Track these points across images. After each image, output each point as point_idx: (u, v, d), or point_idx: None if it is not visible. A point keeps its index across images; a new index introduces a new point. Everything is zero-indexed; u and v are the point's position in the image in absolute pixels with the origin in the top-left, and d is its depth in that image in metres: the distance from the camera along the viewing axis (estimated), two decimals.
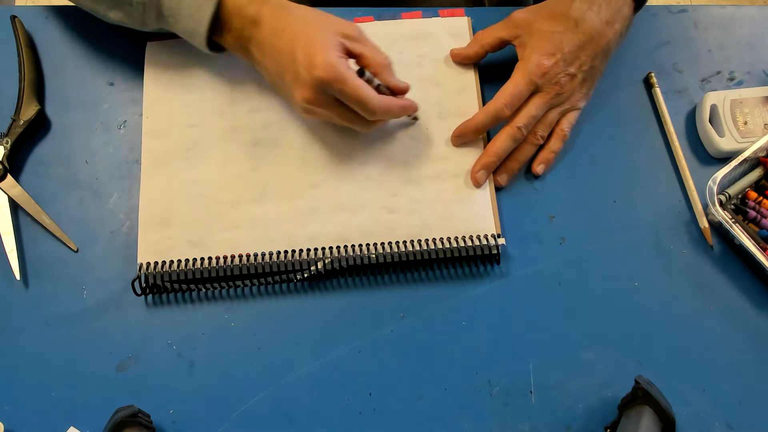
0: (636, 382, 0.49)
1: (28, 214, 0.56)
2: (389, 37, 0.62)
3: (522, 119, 0.56)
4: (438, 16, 0.63)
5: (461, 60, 0.61)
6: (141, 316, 0.54)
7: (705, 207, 0.57)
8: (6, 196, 0.56)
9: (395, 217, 0.56)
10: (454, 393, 0.52)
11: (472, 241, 0.55)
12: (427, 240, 0.55)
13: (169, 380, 0.52)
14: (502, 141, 0.56)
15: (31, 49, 0.61)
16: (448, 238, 0.55)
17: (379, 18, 0.63)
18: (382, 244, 0.55)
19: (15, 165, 0.58)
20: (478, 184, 0.57)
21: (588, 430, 0.51)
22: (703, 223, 0.57)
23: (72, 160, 0.59)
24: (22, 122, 0.57)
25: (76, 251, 0.56)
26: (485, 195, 0.57)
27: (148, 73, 0.60)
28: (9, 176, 0.56)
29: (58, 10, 0.64)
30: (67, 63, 0.62)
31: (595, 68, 0.57)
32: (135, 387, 0.52)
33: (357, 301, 0.55)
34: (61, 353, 0.52)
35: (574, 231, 0.58)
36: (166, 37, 0.61)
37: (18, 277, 0.54)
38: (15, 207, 0.57)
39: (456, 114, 0.59)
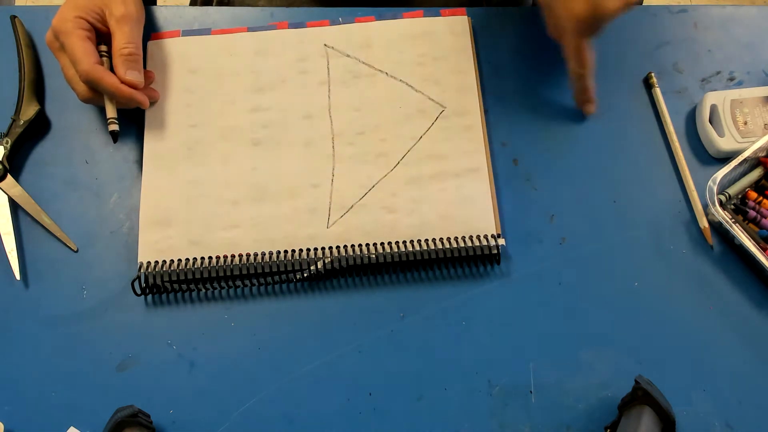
0: (636, 382, 0.49)
1: (28, 214, 0.56)
2: (390, 36, 0.62)
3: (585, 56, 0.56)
4: (440, 15, 0.63)
5: (590, 98, 0.61)
6: (141, 316, 0.54)
7: (705, 207, 0.57)
8: (6, 196, 0.56)
9: (395, 216, 0.56)
10: (454, 393, 0.52)
11: (472, 241, 0.55)
12: (427, 240, 0.55)
13: (169, 380, 0.52)
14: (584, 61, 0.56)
15: (31, 49, 0.61)
16: (448, 238, 0.55)
17: (380, 18, 0.63)
18: (382, 244, 0.55)
19: (15, 165, 0.58)
20: (591, 112, 0.61)
21: (588, 430, 0.51)
22: (703, 223, 0.57)
23: (72, 160, 0.59)
24: (22, 122, 0.57)
25: (76, 251, 0.56)
26: (485, 195, 0.57)
27: None
28: (9, 176, 0.56)
29: None
30: None
31: None
32: (135, 387, 0.52)
33: (357, 301, 0.55)
34: (61, 353, 0.52)
35: (574, 231, 0.58)
36: (168, 36, 0.61)
37: (18, 277, 0.54)
38: (15, 207, 0.57)
39: (456, 113, 0.59)
